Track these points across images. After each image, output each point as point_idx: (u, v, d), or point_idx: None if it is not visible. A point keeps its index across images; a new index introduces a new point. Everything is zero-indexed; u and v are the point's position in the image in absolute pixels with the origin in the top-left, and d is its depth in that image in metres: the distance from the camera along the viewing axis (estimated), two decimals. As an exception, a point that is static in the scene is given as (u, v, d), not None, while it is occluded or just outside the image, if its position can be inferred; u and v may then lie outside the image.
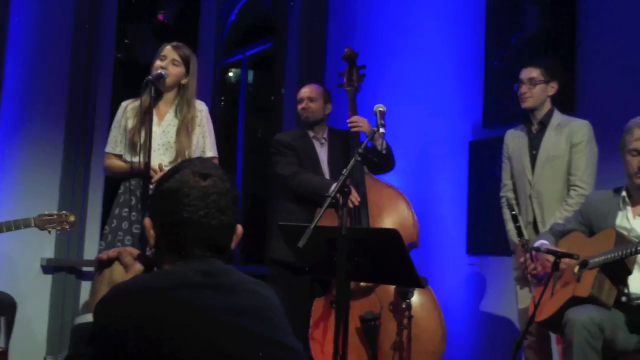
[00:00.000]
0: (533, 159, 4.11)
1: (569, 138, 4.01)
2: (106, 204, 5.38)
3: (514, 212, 3.97)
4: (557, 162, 4.03)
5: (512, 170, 4.25)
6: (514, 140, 4.25)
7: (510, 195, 4.23)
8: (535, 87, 4.09)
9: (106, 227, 3.86)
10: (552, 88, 4.13)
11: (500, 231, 4.29)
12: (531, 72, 4.12)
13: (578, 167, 3.97)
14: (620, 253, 3.13)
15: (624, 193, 3.39)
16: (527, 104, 4.12)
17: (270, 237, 4.77)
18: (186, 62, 3.87)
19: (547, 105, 4.14)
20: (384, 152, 4.37)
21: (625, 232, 3.31)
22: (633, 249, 3.09)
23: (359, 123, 4.35)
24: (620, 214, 3.38)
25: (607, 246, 3.23)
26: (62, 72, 5.27)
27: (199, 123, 3.88)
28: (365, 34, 6.11)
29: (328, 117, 4.72)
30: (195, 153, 3.83)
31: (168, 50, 3.86)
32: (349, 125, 4.38)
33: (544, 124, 4.12)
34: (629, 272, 3.22)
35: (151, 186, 3.55)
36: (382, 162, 4.41)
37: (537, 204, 4.06)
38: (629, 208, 3.37)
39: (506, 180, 4.29)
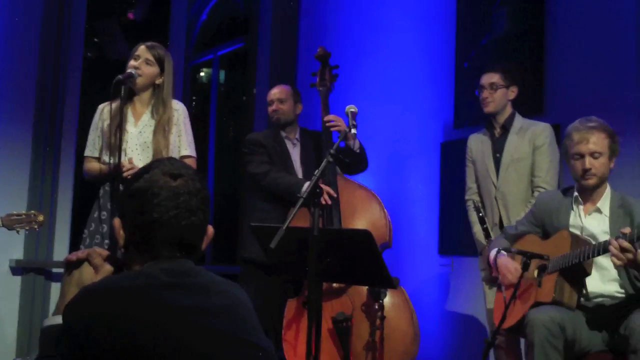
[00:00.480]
0: (497, 162, 4.19)
1: (532, 141, 4.10)
2: (76, 204, 5.33)
3: (481, 214, 4.05)
4: (520, 164, 4.11)
5: (476, 174, 4.32)
6: (477, 144, 4.33)
7: (476, 198, 4.30)
8: (496, 92, 4.17)
9: (85, 230, 3.82)
10: (513, 92, 4.22)
11: (471, 232, 4.32)
12: (492, 77, 4.20)
13: (541, 168, 4.07)
14: (577, 257, 3.17)
15: (575, 193, 3.46)
16: (489, 108, 4.20)
17: (243, 237, 4.75)
18: (160, 62, 3.84)
19: (509, 110, 4.23)
20: (357, 151, 4.37)
21: (577, 232, 3.37)
22: (590, 252, 3.14)
23: (338, 122, 4.33)
24: (572, 213, 3.45)
25: (563, 248, 3.28)
26: (30, 70, 5.20)
27: (176, 122, 3.86)
28: (337, 33, 6.12)
29: (300, 117, 4.71)
30: (173, 153, 3.81)
31: (142, 50, 3.83)
32: (326, 124, 4.36)
33: (506, 128, 4.20)
34: (587, 274, 3.27)
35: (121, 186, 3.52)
36: (354, 162, 4.42)
37: (503, 205, 4.13)
38: (580, 207, 3.43)
39: (471, 183, 4.36)
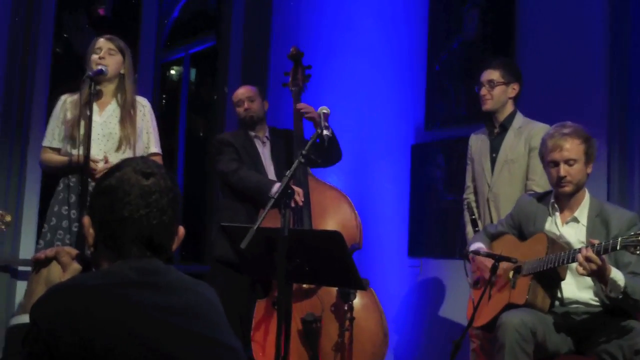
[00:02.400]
0: (493, 162, 4.08)
1: (527, 142, 3.97)
2: (43, 201, 5.25)
3: (473, 217, 3.97)
4: (514, 165, 3.99)
5: (473, 173, 4.22)
6: (477, 142, 4.22)
7: (472, 197, 4.21)
8: (495, 89, 4.04)
9: (45, 225, 3.76)
10: (513, 90, 4.08)
11: (441, 234, 4.32)
12: (491, 74, 4.06)
13: (535, 171, 3.92)
14: (552, 262, 3.16)
15: (552, 200, 3.43)
16: (487, 106, 4.07)
17: (213, 236, 4.72)
18: (122, 51, 3.83)
19: (509, 108, 4.09)
20: (327, 145, 4.33)
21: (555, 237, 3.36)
22: (564, 259, 3.13)
23: (309, 110, 4.30)
24: (549, 219, 3.42)
25: (538, 251, 3.27)
26: (-2, 65, 5.14)
27: (142, 118, 3.84)
28: (309, 33, 6.11)
29: (271, 117, 4.70)
30: (138, 148, 3.78)
31: (102, 42, 3.82)
32: (300, 111, 4.32)
33: (505, 127, 4.08)
34: (562, 279, 3.28)
35: (92, 182, 3.49)
36: (326, 159, 4.40)
37: (494, 207, 4.03)
38: (557, 214, 3.41)
39: (469, 182, 4.26)
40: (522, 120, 4.08)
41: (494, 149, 4.09)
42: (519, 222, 3.53)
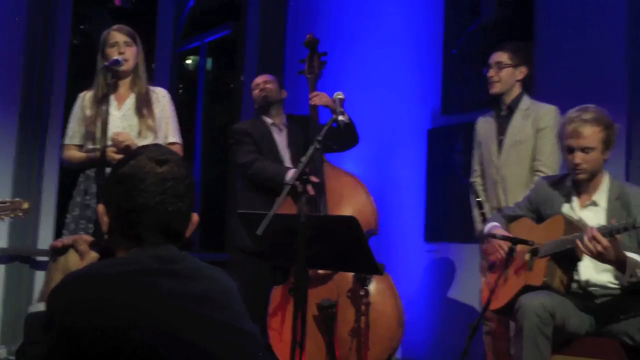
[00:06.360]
0: (500, 143, 4.08)
1: (535, 123, 3.97)
2: (61, 192, 5.30)
3: (479, 199, 3.97)
4: (522, 146, 3.99)
5: (481, 156, 4.22)
6: (484, 125, 4.22)
7: (479, 180, 4.21)
8: (502, 71, 4.04)
9: (68, 215, 3.79)
10: (521, 72, 4.08)
11: (457, 218, 4.32)
12: (499, 56, 4.07)
13: (542, 152, 3.94)
14: (569, 242, 3.12)
15: (569, 183, 3.39)
16: (495, 89, 4.08)
17: (233, 224, 4.75)
18: (134, 40, 3.83)
19: (516, 90, 4.09)
20: (342, 129, 4.35)
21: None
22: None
23: (322, 97, 4.34)
24: (566, 204, 3.37)
25: (556, 233, 3.24)
26: (16, 58, 5.17)
27: (162, 109, 3.85)
28: (325, 20, 6.10)
29: (287, 105, 4.70)
30: (159, 137, 3.80)
31: (116, 35, 3.79)
32: (314, 104, 4.35)
33: (512, 109, 4.08)
34: (579, 259, 3.23)
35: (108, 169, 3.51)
36: (342, 143, 4.41)
37: (502, 189, 4.03)
38: (574, 198, 3.36)
39: (476, 166, 4.26)
40: (529, 102, 4.07)
41: (501, 131, 4.08)
42: (537, 206, 3.49)
